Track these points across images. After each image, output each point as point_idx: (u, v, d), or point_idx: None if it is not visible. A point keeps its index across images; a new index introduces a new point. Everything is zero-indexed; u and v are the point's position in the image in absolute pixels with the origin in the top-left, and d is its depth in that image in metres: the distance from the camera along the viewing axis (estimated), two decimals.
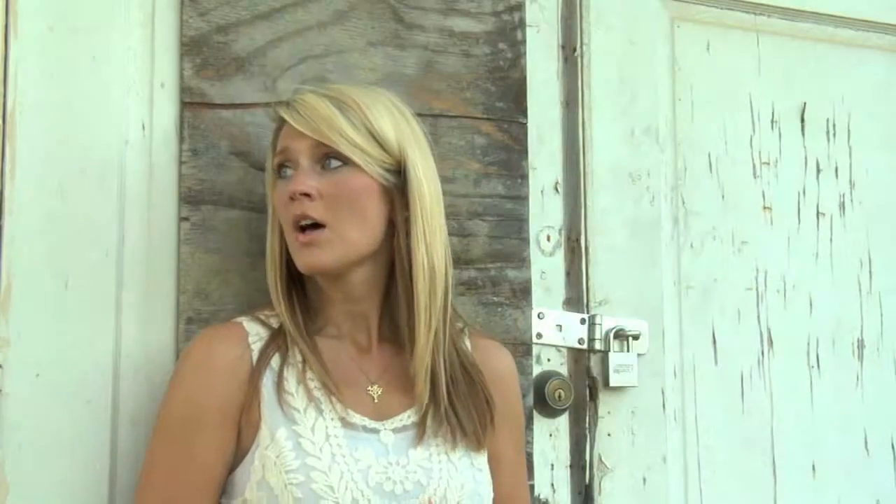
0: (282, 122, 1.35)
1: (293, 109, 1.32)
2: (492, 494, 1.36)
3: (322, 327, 1.37)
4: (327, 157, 1.31)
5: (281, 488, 1.23)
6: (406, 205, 1.32)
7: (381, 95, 1.37)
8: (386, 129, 1.32)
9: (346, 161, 1.30)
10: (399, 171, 1.32)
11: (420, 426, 1.32)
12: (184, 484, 1.26)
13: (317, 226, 1.29)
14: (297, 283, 1.37)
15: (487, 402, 1.37)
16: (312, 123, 1.30)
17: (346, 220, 1.30)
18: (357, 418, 1.30)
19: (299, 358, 1.31)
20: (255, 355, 1.30)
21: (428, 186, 1.33)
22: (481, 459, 1.36)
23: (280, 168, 1.34)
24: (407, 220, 1.32)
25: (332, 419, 1.29)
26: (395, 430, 1.31)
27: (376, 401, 1.33)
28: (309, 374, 1.30)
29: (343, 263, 1.31)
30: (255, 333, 1.33)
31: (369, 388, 1.34)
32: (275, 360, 1.31)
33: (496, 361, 1.45)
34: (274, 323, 1.35)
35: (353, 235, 1.30)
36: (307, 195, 1.29)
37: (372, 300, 1.36)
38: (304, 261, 1.31)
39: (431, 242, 1.32)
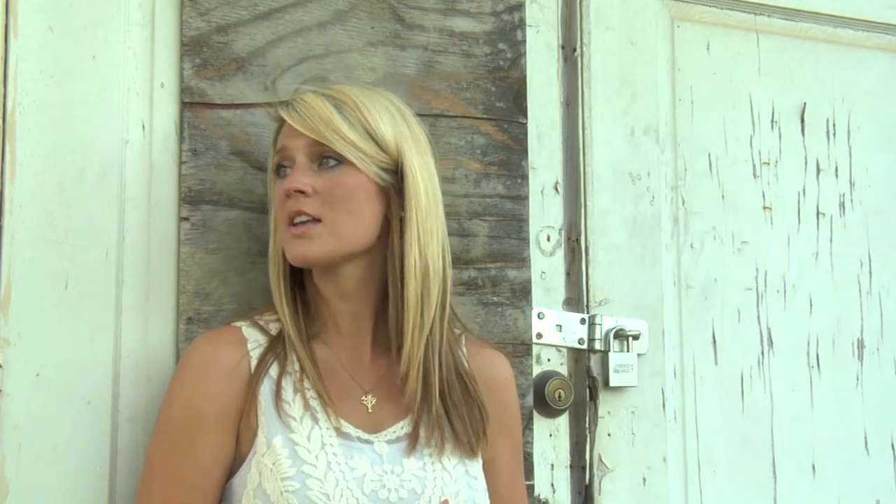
0: (282, 122, 1.36)
1: (292, 109, 1.33)
2: (487, 501, 1.36)
3: (320, 332, 1.36)
4: (324, 156, 1.31)
5: (277, 495, 1.23)
6: (402, 205, 1.32)
7: (382, 96, 1.38)
8: (384, 130, 1.32)
9: (341, 160, 1.31)
10: (396, 171, 1.33)
11: (413, 436, 1.32)
12: (184, 486, 1.26)
13: (311, 221, 1.30)
14: (297, 286, 1.37)
15: (481, 413, 1.37)
16: (309, 122, 1.31)
17: (341, 216, 1.30)
18: (351, 429, 1.30)
19: (297, 367, 1.31)
20: (253, 362, 1.31)
21: (425, 187, 1.34)
22: (476, 467, 1.36)
23: (279, 167, 1.35)
24: (402, 220, 1.32)
25: (327, 428, 1.29)
26: (388, 442, 1.32)
27: (370, 411, 1.33)
28: (306, 384, 1.30)
29: (333, 257, 1.31)
30: (254, 340, 1.33)
31: (363, 398, 1.34)
32: (273, 369, 1.31)
33: (493, 368, 1.45)
34: (273, 329, 1.35)
35: (346, 231, 1.30)
36: (302, 192, 1.29)
37: (366, 301, 1.36)
38: (295, 252, 1.31)
39: (426, 243, 1.32)
